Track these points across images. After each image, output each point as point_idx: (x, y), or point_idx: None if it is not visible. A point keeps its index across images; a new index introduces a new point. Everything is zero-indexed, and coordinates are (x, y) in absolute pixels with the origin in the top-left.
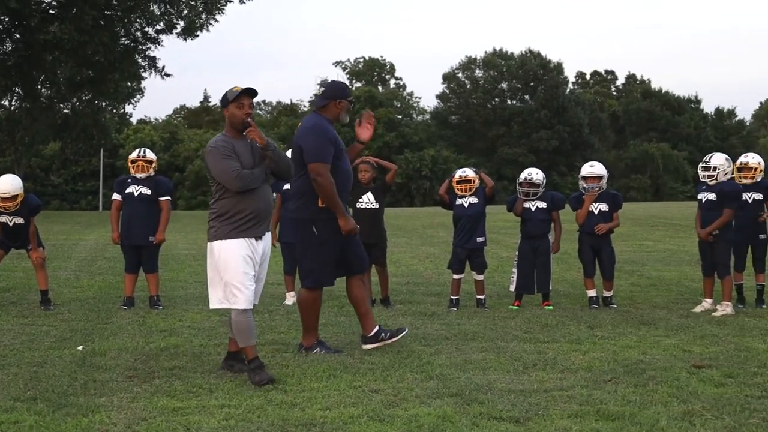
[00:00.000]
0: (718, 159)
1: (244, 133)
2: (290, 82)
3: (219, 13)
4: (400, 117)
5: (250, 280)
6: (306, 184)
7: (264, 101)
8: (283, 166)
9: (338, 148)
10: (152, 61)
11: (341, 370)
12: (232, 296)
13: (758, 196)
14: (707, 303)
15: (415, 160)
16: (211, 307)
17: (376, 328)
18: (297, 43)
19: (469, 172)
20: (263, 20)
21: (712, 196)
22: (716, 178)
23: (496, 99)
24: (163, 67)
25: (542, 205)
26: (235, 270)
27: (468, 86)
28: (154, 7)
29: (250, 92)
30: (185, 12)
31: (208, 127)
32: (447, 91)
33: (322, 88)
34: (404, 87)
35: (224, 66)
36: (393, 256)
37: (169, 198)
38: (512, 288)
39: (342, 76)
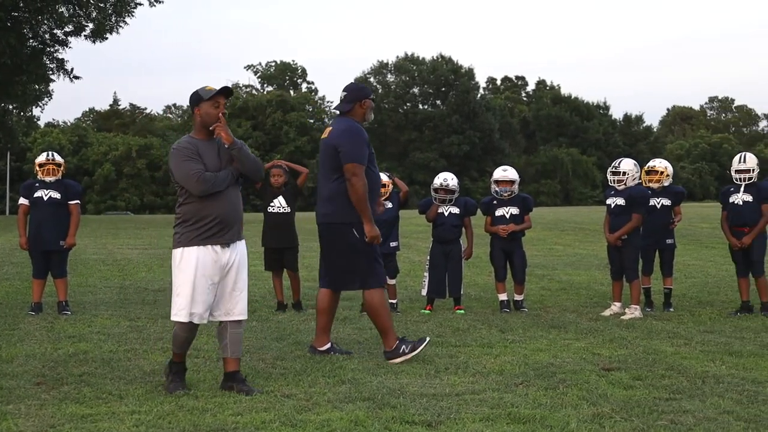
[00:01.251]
0: (627, 164)
1: (211, 128)
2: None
3: (129, 16)
4: (311, 121)
5: (203, 296)
6: (343, 187)
7: (175, 105)
8: (250, 166)
9: (371, 152)
10: (60, 63)
11: (253, 375)
12: (180, 308)
13: (666, 201)
14: (616, 306)
15: None
16: (171, 318)
17: (328, 344)
18: (208, 47)
19: (383, 177)
20: (174, 23)
21: (621, 201)
22: (625, 183)
23: (408, 104)
24: (72, 69)
25: (455, 210)
26: (187, 281)
27: (380, 91)
28: (63, 9)
29: (227, 92)
30: (94, 14)
31: (117, 131)
32: None
33: (344, 93)
34: (316, 91)
35: (134, 69)
36: (305, 261)
37: (78, 202)
38: (424, 292)
39: (253, 80)
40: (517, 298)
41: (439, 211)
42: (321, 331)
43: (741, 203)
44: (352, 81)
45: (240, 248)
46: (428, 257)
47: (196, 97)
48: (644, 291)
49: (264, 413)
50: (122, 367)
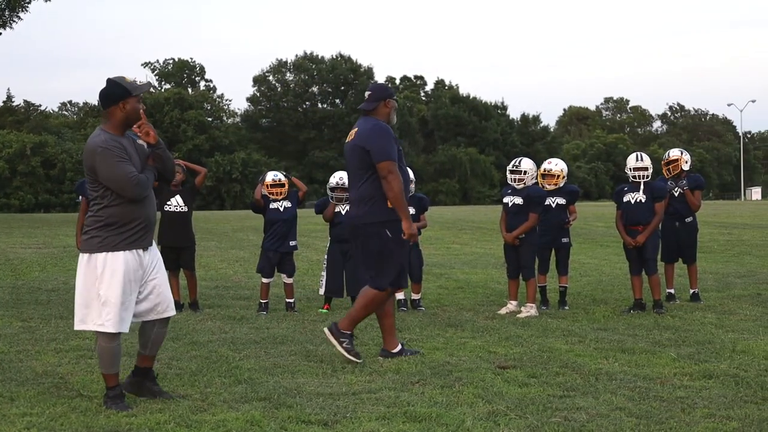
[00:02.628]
0: (527, 163)
1: (134, 128)
2: (98, 82)
3: (23, 11)
4: (210, 120)
5: (130, 302)
6: (374, 187)
7: (71, 102)
8: (170, 166)
9: (399, 149)
10: None
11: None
12: (107, 318)
13: (561, 200)
14: (512, 305)
15: (225, 163)
16: (77, 327)
17: (399, 346)
18: (105, 43)
19: (281, 176)
20: (69, 18)
21: (518, 200)
22: (525, 182)
23: (307, 102)
24: None
25: None
26: (116, 288)
27: (279, 90)
28: None
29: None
30: None
31: (11, 128)
32: (258, 95)
33: (368, 92)
34: (214, 89)
35: (29, 65)
36: (202, 260)
37: None
38: (321, 291)
39: (151, 78)
40: (414, 297)
41: (336, 210)
42: (388, 333)
43: (634, 203)
44: (376, 81)
45: (154, 247)
46: (326, 256)
47: (123, 91)
48: (540, 289)
49: (159, 414)
50: (13, 369)
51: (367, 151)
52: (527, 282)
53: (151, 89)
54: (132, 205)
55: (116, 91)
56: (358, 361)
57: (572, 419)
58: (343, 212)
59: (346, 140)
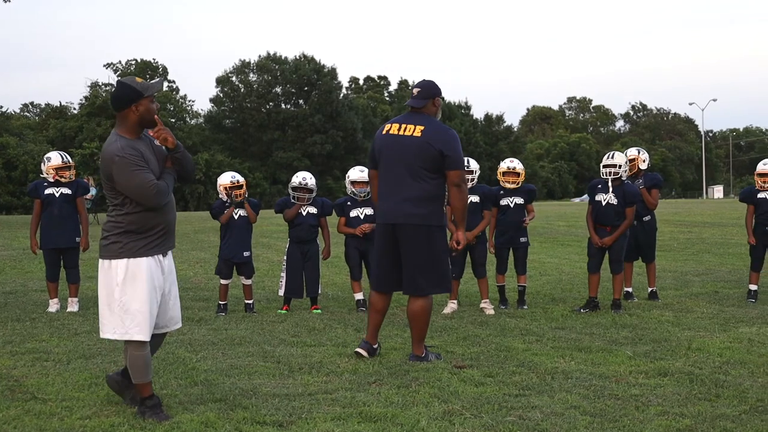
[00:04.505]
0: (474, 163)
1: (150, 133)
2: (59, 83)
3: None
4: (173, 120)
5: (155, 308)
6: (436, 189)
7: (32, 103)
8: (190, 168)
9: None
10: None
11: (103, 379)
12: (133, 326)
13: (520, 200)
14: (453, 304)
15: None
16: (104, 336)
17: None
18: (65, 44)
19: (239, 177)
20: (30, 19)
21: (475, 198)
22: (474, 181)
23: (271, 103)
24: None
25: (313, 210)
26: (141, 295)
27: (242, 90)
28: None
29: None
30: None
31: None
32: (221, 95)
33: (417, 89)
34: (177, 90)
35: None
36: None
37: None
38: (281, 292)
39: (113, 79)
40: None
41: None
42: (419, 339)
43: (605, 204)
44: (424, 78)
45: (170, 253)
46: (285, 257)
47: (134, 93)
48: (498, 289)
49: (114, 417)
50: None
51: (441, 154)
52: (481, 280)
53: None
54: (151, 212)
55: (127, 93)
56: (439, 359)
57: (527, 418)
58: (304, 213)
59: (395, 131)
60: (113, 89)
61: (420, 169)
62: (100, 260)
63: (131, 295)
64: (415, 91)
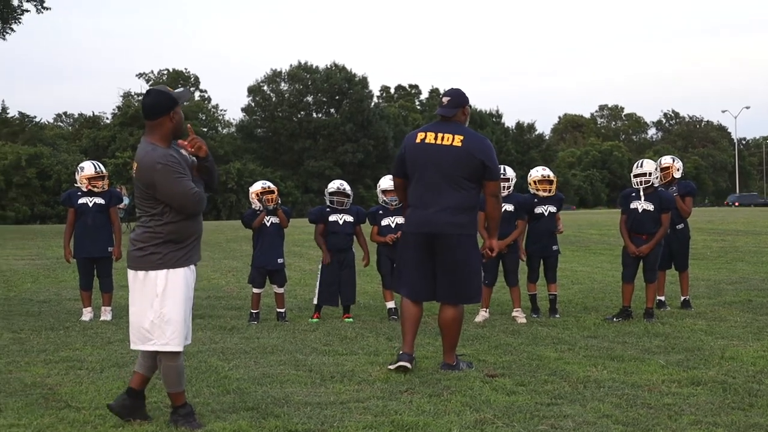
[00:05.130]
0: (511, 171)
1: (183, 142)
2: (92, 93)
3: (15, 22)
4: (205, 130)
5: (189, 319)
6: (473, 198)
7: (66, 113)
8: (216, 177)
9: None
10: None
11: None
12: (173, 337)
13: (553, 208)
14: (485, 312)
15: (220, 173)
16: (138, 347)
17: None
18: (99, 55)
19: (269, 183)
20: (63, 30)
21: (509, 207)
22: (510, 189)
23: (302, 112)
24: None
25: (349, 218)
26: (180, 305)
27: (273, 99)
28: None
29: None
30: None
31: (6, 140)
32: (252, 104)
33: (447, 97)
34: (209, 100)
35: (23, 77)
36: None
37: None
38: (316, 301)
39: (145, 88)
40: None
41: (332, 219)
42: (451, 348)
43: (641, 210)
44: (453, 87)
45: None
46: (320, 266)
47: (171, 101)
48: (530, 297)
49: (147, 425)
50: (2, 380)
51: (482, 164)
52: (513, 288)
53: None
54: (189, 221)
55: (164, 101)
56: (470, 368)
57: (559, 427)
58: (340, 222)
59: (431, 140)
60: (145, 97)
61: (460, 179)
62: (133, 271)
63: (171, 306)
64: (445, 100)
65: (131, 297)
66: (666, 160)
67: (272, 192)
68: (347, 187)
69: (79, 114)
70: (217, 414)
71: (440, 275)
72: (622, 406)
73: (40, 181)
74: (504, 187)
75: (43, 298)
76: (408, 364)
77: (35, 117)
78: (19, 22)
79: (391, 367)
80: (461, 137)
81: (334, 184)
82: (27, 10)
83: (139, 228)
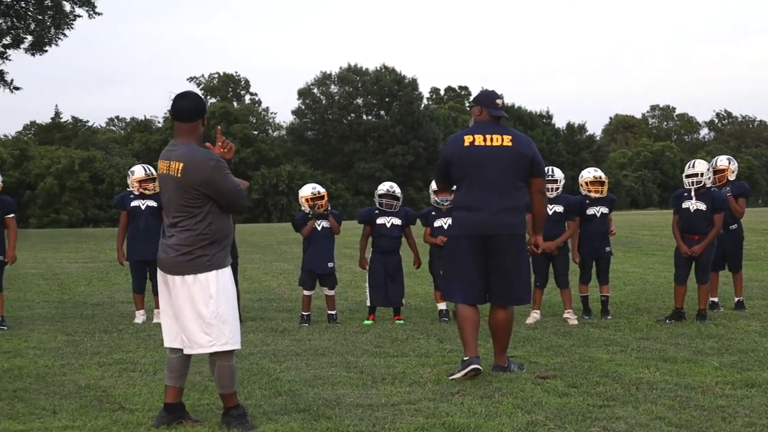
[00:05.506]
0: (559, 172)
1: (216, 145)
2: (144, 97)
3: (68, 28)
4: (255, 133)
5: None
6: (524, 198)
7: (117, 117)
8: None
9: None
10: (0, 74)
11: (189, 389)
12: (232, 336)
13: (605, 210)
14: (536, 314)
15: (271, 176)
16: (196, 351)
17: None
18: (149, 59)
19: (319, 188)
20: (114, 35)
21: (559, 208)
22: (558, 191)
23: (352, 114)
24: (12, 80)
25: (397, 221)
26: (232, 303)
27: (323, 102)
28: (0, 21)
29: None
30: (33, 26)
31: (59, 144)
32: (302, 107)
33: (499, 100)
34: (259, 103)
35: (76, 81)
36: (246, 273)
37: (14, 215)
38: (369, 302)
39: (196, 92)
40: (441, 307)
41: (380, 221)
42: (502, 350)
43: (693, 210)
44: (485, 88)
45: None
46: (368, 267)
47: (205, 105)
48: (582, 299)
49: (199, 426)
50: (57, 382)
51: (531, 162)
52: (563, 290)
53: None
54: (228, 220)
55: (201, 104)
56: (521, 370)
57: (611, 429)
58: (388, 225)
59: (482, 142)
60: (182, 100)
61: (514, 179)
62: (179, 277)
63: (225, 306)
64: (499, 102)
65: (176, 303)
66: (722, 161)
67: (322, 198)
68: (397, 190)
69: (131, 118)
70: (268, 416)
71: (493, 277)
72: (675, 408)
73: (92, 185)
74: (552, 189)
75: (96, 301)
76: (479, 366)
77: (88, 121)
78: (72, 28)
79: (460, 374)
80: (509, 137)
81: (384, 187)
82: (79, 16)
83: (178, 233)
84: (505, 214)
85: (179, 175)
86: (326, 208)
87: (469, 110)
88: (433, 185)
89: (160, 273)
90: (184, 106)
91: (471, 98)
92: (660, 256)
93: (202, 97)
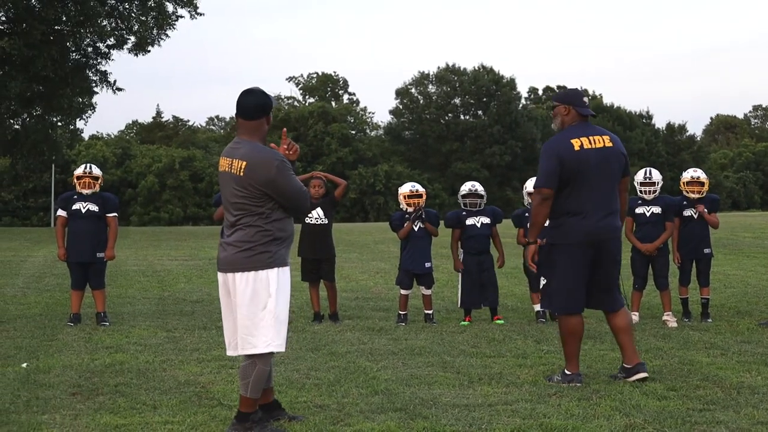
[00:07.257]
0: (658, 174)
1: (282, 146)
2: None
3: (170, 28)
4: (353, 132)
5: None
6: (619, 199)
7: (218, 117)
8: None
9: None
10: (103, 75)
11: (287, 386)
12: (283, 336)
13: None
14: (635, 316)
15: (368, 175)
16: (250, 352)
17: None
18: (249, 59)
19: (418, 186)
20: (216, 35)
21: (657, 209)
22: (657, 192)
23: (449, 114)
24: (115, 81)
25: (486, 220)
26: (287, 304)
27: (421, 102)
28: (105, 23)
29: None
30: (136, 27)
31: (160, 143)
32: (400, 107)
33: (587, 98)
34: (357, 102)
35: (177, 81)
36: (343, 272)
37: (116, 214)
38: (459, 304)
39: (295, 92)
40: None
41: (470, 222)
42: (633, 349)
43: None
44: (566, 87)
45: None
46: (460, 269)
47: (271, 102)
48: (682, 301)
49: (297, 424)
50: (157, 378)
51: (626, 160)
52: (663, 292)
53: (296, 103)
54: (290, 219)
55: (269, 102)
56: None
57: None
58: (478, 225)
59: (589, 145)
60: (248, 96)
61: (615, 180)
62: (239, 274)
63: (282, 306)
64: (586, 100)
65: (236, 301)
66: None
67: (420, 196)
68: (480, 188)
69: (230, 118)
70: (365, 414)
71: (605, 282)
72: None
73: (192, 184)
74: (650, 191)
75: (195, 298)
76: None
77: (188, 121)
78: (174, 29)
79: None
80: (608, 137)
81: (466, 186)
82: (181, 16)
83: (239, 230)
84: (612, 217)
85: (242, 173)
86: (420, 209)
87: (552, 109)
88: (528, 186)
89: (220, 275)
90: (249, 103)
91: (553, 97)
92: (762, 259)
93: (269, 94)
